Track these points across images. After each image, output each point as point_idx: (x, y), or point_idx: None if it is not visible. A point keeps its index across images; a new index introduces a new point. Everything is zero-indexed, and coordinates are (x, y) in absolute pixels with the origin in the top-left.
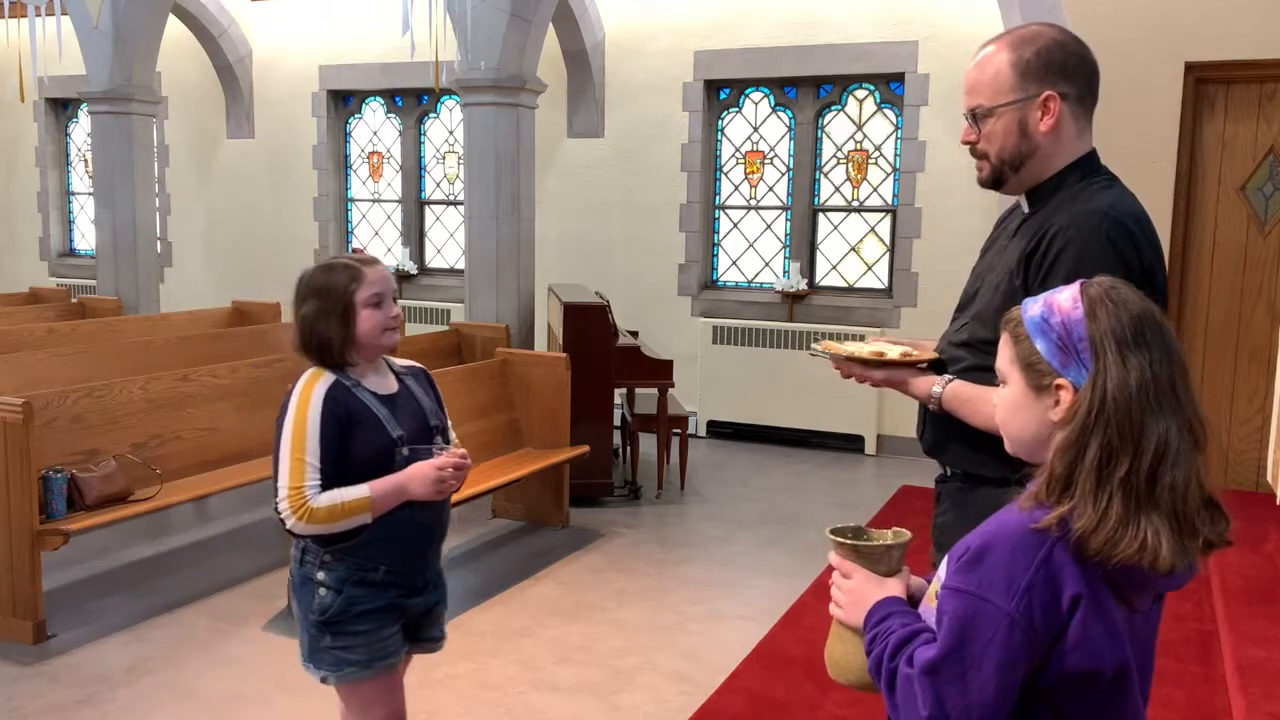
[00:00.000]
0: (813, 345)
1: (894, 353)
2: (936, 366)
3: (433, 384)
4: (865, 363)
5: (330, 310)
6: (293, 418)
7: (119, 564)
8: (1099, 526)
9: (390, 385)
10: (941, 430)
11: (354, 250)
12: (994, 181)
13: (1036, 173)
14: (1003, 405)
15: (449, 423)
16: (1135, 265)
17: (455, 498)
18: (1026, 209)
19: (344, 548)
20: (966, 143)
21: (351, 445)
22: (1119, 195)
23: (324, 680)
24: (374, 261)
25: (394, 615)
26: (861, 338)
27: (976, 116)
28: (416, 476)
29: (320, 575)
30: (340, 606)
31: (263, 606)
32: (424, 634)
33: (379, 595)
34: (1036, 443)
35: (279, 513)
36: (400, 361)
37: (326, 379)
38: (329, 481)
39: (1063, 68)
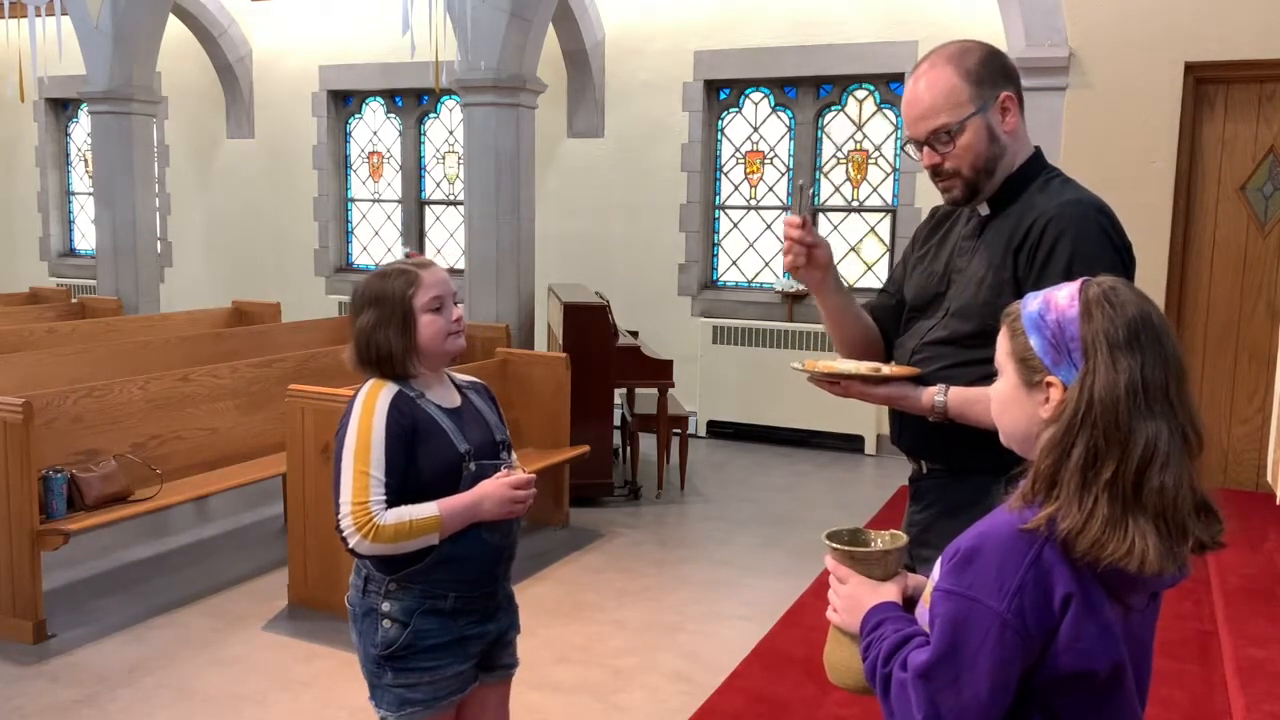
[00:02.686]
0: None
1: (886, 370)
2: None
3: (494, 400)
4: (865, 379)
5: (388, 319)
6: (355, 429)
7: (119, 564)
8: (1085, 528)
9: (454, 398)
10: (927, 426)
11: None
12: (970, 195)
13: (1002, 174)
14: (997, 398)
15: (510, 439)
16: (1121, 247)
17: None
18: (986, 210)
19: (410, 573)
20: (930, 166)
21: (418, 459)
22: (1081, 187)
23: None
24: (430, 264)
25: (464, 650)
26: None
27: (942, 137)
28: (490, 495)
29: (385, 606)
30: (406, 640)
31: (262, 606)
32: (497, 661)
33: (449, 627)
34: (1027, 438)
35: (341, 530)
36: (462, 376)
37: (390, 388)
38: (395, 497)
39: (1004, 70)
